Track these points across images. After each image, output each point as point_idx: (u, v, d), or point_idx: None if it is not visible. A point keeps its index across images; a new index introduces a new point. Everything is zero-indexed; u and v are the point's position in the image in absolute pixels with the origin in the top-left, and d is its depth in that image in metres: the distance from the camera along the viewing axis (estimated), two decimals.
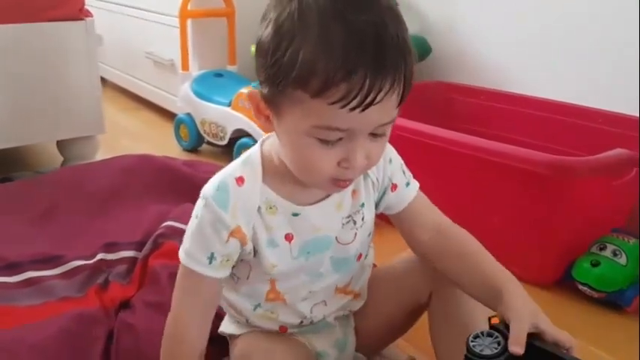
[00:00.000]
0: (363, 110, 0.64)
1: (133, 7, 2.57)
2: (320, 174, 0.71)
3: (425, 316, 0.92)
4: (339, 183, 0.72)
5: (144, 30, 2.53)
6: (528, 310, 0.73)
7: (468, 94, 1.84)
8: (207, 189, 0.76)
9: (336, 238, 0.82)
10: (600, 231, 1.33)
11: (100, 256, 1.16)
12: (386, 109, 0.66)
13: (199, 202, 0.76)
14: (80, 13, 1.69)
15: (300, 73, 0.64)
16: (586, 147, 1.43)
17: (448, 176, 1.45)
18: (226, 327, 0.91)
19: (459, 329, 0.82)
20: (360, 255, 0.87)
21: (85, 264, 1.15)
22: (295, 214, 0.78)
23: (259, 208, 0.76)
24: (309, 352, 0.88)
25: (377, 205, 0.86)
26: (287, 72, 0.64)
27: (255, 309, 0.86)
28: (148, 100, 2.65)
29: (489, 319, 1.01)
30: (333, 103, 0.63)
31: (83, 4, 1.71)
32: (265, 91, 0.69)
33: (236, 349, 0.86)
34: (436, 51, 1.90)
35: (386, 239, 1.06)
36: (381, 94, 0.63)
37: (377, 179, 0.84)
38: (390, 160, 0.85)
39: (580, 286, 1.28)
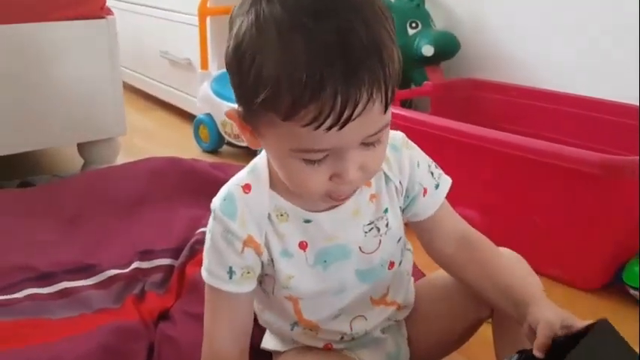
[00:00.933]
0: (340, 128, 0.59)
1: (147, 6, 2.55)
2: (312, 192, 0.67)
3: (483, 327, 0.88)
4: (335, 197, 0.68)
5: (158, 29, 2.51)
6: (555, 316, 0.70)
7: (497, 91, 1.82)
8: (215, 201, 0.75)
9: (360, 247, 0.78)
10: None
11: (135, 264, 1.13)
12: (370, 120, 0.61)
13: (210, 216, 0.75)
14: (102, 12, 1.67)
15: (266, 95, 0.60)
16: (622, 145, 1.42)
17: (492, 176, 1.43)
18: (268, 342, 0.89)
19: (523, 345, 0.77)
20: (392, 263, 0.82)
21: (120, 273, 1.11)
22: (307, 221, 0.75)
23: (269, 215, 0.74)
24: None
25: (403, 211, 0.82)
26: (253, 94, 0.61)
27: (292, 328, 0.83)
28: (163, 101, 2.63)
29: None
30: (305, 125, 0.59)
31: (104, 2, 1.69)
32: (240, 110, 0.66)
33: None
34: (465, 47, 1.87)
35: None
36: (359, 107, 0.59)
37: (400, 184, 0.79)
38: (418, 164, 0.80)
39: (631, 291, 1.25)
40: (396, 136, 0.80)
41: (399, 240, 0.82)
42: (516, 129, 1.59)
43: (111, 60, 1.70)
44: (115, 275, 1.11)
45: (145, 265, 1.13)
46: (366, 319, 0.83)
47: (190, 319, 0.96)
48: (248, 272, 0.75)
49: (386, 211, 0.78)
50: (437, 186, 0.81)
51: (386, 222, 0.79)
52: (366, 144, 0.64)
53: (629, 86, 1.53)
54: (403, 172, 0.78)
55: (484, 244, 0.83)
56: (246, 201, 0.73)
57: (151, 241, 1.18)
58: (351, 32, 0.58)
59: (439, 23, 1.95)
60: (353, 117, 0.58)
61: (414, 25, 1.86)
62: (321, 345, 0.84)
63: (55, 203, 1.36)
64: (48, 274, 1.09)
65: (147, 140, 2.25)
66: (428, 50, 1.79)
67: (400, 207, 0.80)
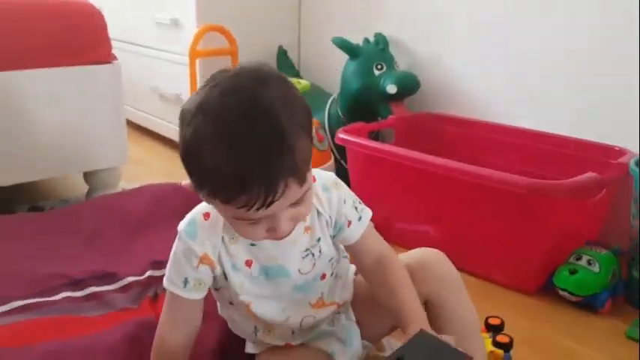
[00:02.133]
0: (267, 208, 0.76)
1: (137, 45, 2.70)
2: (254, 239, 0.88)
3: None
4: (273, 238, 0.85)
5: (149, 66, 2.66)
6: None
7: (454, 124, 1.98)
8: (181, 224, 0.92)
9: (299, 270, 0.94)
10: (577, 243, 1.50)
11: (149, 272, 1.32)
12: (291, 196, 0.77)
13: (177, 237, 0.91)
14: (109, 57, 1.83)
15: (207, 192, 0.77)
16: (562, 171, 1.56)
17: (442, 197, 1.62)
18: (249, 347, 1.06)
19: (457, 324, 0.97)
20: (324, 275, 0.98)
21: (137, 280, 1.31)
22: (253, 244, 0.91)
23: (223, 237, 0.90)
24: (322, 355, 1.01)
25: (334, 237, 0.97)
26: (199, 188, 0.79)
27: (256, 332, 1.01)
28: (153, 132, 2.77)
29: (486, 319, 1.19)
30: (240, 208, 0.76)
31: (111, 49, 1.85)
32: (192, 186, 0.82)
33: None
34: (425, 85, 2.02)
35: None
36: (278, 194, 0.75)
37: (330, 217, 0.94)
38: (345, 201, 0.95)
39: (560, 292, 1.43)
40: (328, 177, 0.96)
41: (331, 259, 0.98)
42: (471, 157, 1.76)
43: (116, 100, 1.87)
44: (133, 281, 1.30)
45: (157, 273, 1.31)
46: (315, 318, 1.00)
47: None
48: (200, 284, 0.92)
49: (319, 240, 0.94)
50: (359, 218, 0.97)
51: (319, 249, 0.95)
52: (293, 204, 0.80)
53: (570, 120, 1.71)
54: (332, 208, 0.94)
55: (393, 271, 0.97)
56: (205, 226, 0.89)
57: (160, 254, 1.36)
58: (268, 140, 0.73)
59: (402, 64, 2.10)
60: (275, 200, 0.75)
61: (379, 66, 2.01)
62: (283, 343, 1.01)
63: (73, 224, 1.54)
64: (79, 280, 1.28)
65: (140, 167, 2.40)
66: (392, 89, 1.95)
67: (331, 235, 0.96)
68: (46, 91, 1.76)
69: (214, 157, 0.74)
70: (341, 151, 2.05)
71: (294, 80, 2.16)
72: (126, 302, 1.24)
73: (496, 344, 1.13)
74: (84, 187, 2.03)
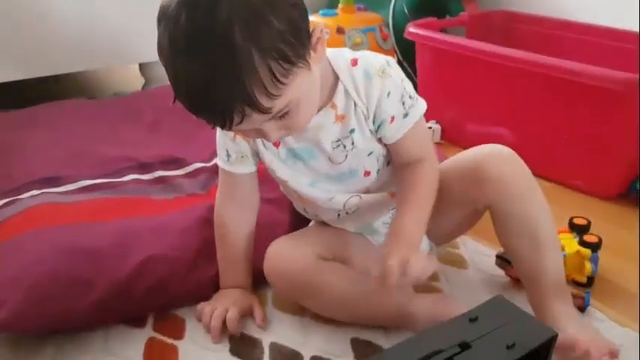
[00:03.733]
0: (230, 129, 0.71)
1: None
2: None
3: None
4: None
5: None
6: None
7: (530, 23, 1.87)
8: None
9: (329, 157, 0.88)
10: None
11: (216, 160, 1.27)
12: (255, 119, 0.71)
13: None
14: None
15: (176, 98, 0.71)
16: None
17: (521, 96, 1.53)
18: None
19: (524, 238, 0.88)
20: (368, 172, 0.91)
21: (204, 166, 1.27)
22: None
23: None
24: (366, 240, 0.99)
25: (376, 132, 0.88)
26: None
27: (305, 212, 1.00)
28: None
29: (571, 219, 1.12)
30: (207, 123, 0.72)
31: None
32: None
33: None
34: None
35: None
36: (235, 121, 0.69)
37: (367, 110, 0.85)
38: (389, 94, 0.84)
39: None
40: (375, 63, 0.84)
41: (370, 154, 0.90)
42: None
43: None
44: (201, 168, 1.27)
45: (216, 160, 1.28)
46: (361, 198, 0.94)
47: (265, 202, 1.08)
48: (242, 157, 0.91)
49: (352, 131, 0.86)
50: (405, 115, 0.86)
51: (352, 141, 0.87)
52: (277, 118, 0.73)
53: None
54: (370, 100, 0.84)
55: (415, 171, 0.89)
56: None
57: None
58: (215, 64, 0.65)
59: None
60: (235, 125, 0.70)
61: None
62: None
63: (133, 111, 1.51)
64: (145, 164, 1.25)
65: None
66: None
67: (370, 130, 0.87)
68: None
69: (170, 71, 0.69)
70: (405, 52, 1.96)
71: None
72: (194, 188, 1.21)
73: (583, 244, 1.07)
74: (139, 82, 1.99)
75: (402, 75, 0.87)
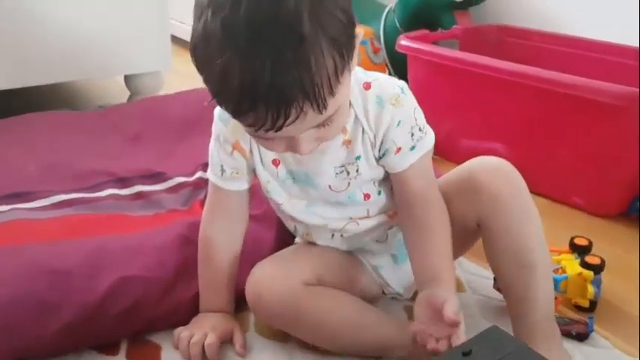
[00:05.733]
0: (277, 132, 0.65)
1: None
2: (272, 151, 0.77)
3: None
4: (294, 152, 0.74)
5: None
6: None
7: (522, 37, 1.84)
8: (216, 109, 0.84)
9: (329, 185, 0.84)
10: None
11: (199, 174, 1.22)
12: (307, 122, 0.66)
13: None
14: None
15: (216, 99, 0.67)
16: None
17: (517, 110, 1.49)
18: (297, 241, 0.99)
19: (513, 265, 0.82)
20: (368, 195, 0.87)
21: (186, 181, 1.21)
22: None
23: None
24: (365, 269, 0.95)
25: (379, 160, 0.84)
26: (209, 90, 0.67)
27: (295, 230, 0.94)
28: None
29: (572, 239, 1.07)
30: (247, 126, 0.67)
31: None
32: None
33: None
34: None
35: None
36: (290, 119, 0.64)
37: (374, 137, 0.81)
38: (399, 123, 0.80)
39: None
40: (389, 90, 0.80)
41: (372, 179, 0.86)
42: None
43: None
44: (183, 182, 1.21)
45: (207, 175, 1.22)
46: (358, 225, 0.89)
47: (252, 220, 1.03)
48: (237, 173, 0.86)
49: (358, 158, 0.82)
50: (412, 147, 0.81)
51: (356, 168, 0.82)
52: (317, 125, 0.69)
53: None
54: (379, 127, 0.80)
55: (429, 213, 0.83)
56: None
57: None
58: (282, 52, 0.61)
59: None
60: (286, 125, 0.64)
61: None
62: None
63: (115, 123, 1.45)
64: (125, 178, 1.19)
65: (186, 79, 2.30)
66: None
67: (375, 157, 0.83)
68: None
69: (220, 62, 0.63)
70: (397, 66, 1.92)
71: None
72: (175, 203, 1.16)
73: (585, 265, 1.02)
74: (124, 95, 1.95)
75: (415, 104, 0.82)
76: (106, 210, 1.10)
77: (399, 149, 0.81)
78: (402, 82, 0.82)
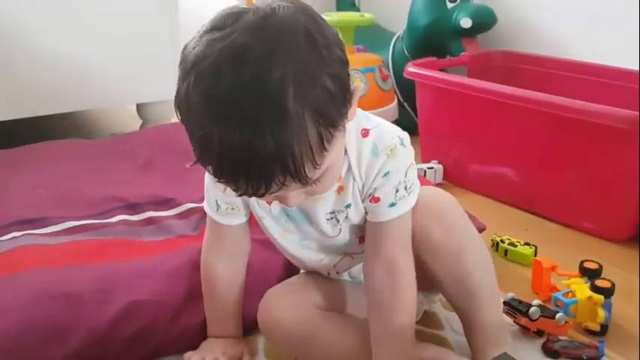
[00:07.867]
0: (260, 198, 0.64)
1: None
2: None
3: None
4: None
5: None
6: None
7: (530, 63, 1.85)
8: None
9: (322, 230, 0.82)
10: None
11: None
12: (291, 188, 0.64)
13: None
14: None
15: (199, 161, 0.63)
16: None
17: (525, 135, 1.49)
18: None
19: (454, 291, 0.86)
20: (362, 237, 0.84)
21: (196, 207, 1.22)
22: None
23: None
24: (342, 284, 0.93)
25: (363, 203, 0.81)
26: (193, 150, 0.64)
27: (291, 263, 0.94)
28: None
29: (582, 262, 1.06)
30: (232, 190, 0.64)
31: None
32: None
33: None
34: (501, 20, 1.91)
35: None
36: (272, 189, 0.62)
37: (362, 186, 0.78)
38: (387, 174, 0.77)
39: None
40: (387, 140, 0.76)
41: (363, 221, 0.82)
42: None
43: (171, 25, 1.79)
44: (192, 208, 1.22)
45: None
46: (353, 259, 0.89)
47: (259, 245, 1.02)
48: (232, 208, 0.84)
49: (348, 206, 0.79)
50: (392, 204, 0.78)
51: (345, 215, 0.80)
52: (303, 187, 0.65)
53: None
54: (368, 175, 0.77)
55: (397, 290, 0.80)
56: None
57: None
58: (259, 134, 0.57)
59: None
60: (268, 194, 0.62)
61: None
62: (325, 273, 0.93)
63: (126, 150, 1.47)
64: (135, 204, 1.21)
65: None
66: (466, 22, 1.83)
67: (363, 205, 0.80)
68: (97, 14, 1.71)
69: (203, 132, 0.60)
70: (405, 92, 1.93)
71: (355, 15, 2.06)
72: (185, 229, 1.17)
73: (595, 289, 1.01)
74: (136, 123, 1.97)
75: (411, 160, 0.79)
76: (116, 235, 1.11)
77: (376, 199, 0.78)
78: (404, 134, 0.79)
